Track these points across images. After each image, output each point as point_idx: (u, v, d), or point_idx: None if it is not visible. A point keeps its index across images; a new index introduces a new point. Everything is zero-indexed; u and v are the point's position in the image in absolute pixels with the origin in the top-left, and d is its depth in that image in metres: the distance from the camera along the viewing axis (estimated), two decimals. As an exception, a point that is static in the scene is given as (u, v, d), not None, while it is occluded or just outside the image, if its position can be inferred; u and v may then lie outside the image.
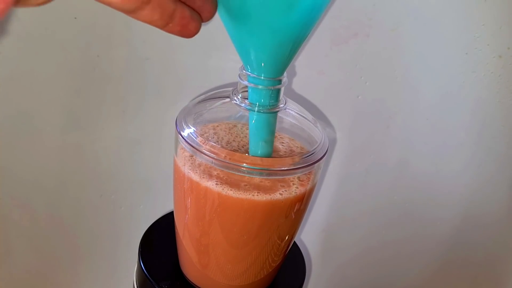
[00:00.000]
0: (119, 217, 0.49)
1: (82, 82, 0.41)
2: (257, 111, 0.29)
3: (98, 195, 0.47)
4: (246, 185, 0.28)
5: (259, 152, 0.30)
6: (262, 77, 0.28)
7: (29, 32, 0.37)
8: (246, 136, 0.32)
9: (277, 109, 0.29)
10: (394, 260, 0.56)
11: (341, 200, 0.51)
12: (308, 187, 0.30)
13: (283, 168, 0.28)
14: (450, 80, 0.44)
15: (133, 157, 0.46)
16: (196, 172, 0.29)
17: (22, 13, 0.37)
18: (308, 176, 0.30)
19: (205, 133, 0.32)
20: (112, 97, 0.42)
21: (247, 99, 0.29)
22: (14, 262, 0.48)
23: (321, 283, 0.57)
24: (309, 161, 0.29)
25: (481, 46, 0.42)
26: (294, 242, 0.38)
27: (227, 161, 0.27)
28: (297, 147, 0.33)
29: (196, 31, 0.24)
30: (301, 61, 0.42)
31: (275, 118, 0.30)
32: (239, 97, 0.29)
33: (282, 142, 0.33)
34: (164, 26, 0.22)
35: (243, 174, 0.28)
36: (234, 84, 0.31)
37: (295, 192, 0.29)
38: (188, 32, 0.23)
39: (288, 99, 0.31)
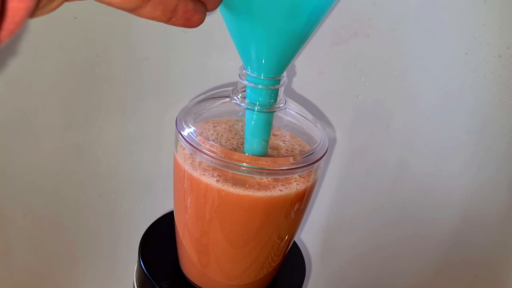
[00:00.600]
0: (118, 217, 0.49)
1: (82, 81, 0.41)
2: (257, 111, 0.29)
3: (98, 195, 0.47)
4: (246, 183, 0.28)
5: (254, 151, 0.30)
6: (262, 77, 0.28)
7: (29, 31, 0.37)
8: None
9: (277, 109, 0.29)
10: (394, 260, 0.56)
11: (341, 200, 0.51)
12: (308, 185, 0.30)
13: (283, 168, 0.28)
14: (450, 80, 0.44)
15: (132, 157, 0.46)
16: (196, 170, 0.29)
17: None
18: (308, 174, 0.30)
19: (205, 130, 0.32)
20: (111, 97, 0.42)
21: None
22: (13, 262, 0.48)
23: (320, 283, 0.57)
24: (309, 161, 0.29)
25: (481, 46, 0.42)
26: (294, 241, 0.38)
27: (227, 160, 0.27)
28: (299, 145, 0.33)
29: (200, 22, 0.23)
30: (301, 61, 0.42)
31: (272, 117, 0.30)
32: (239, 96, 0.29)
33: (284, 140, 0.33)
34: (167, 21, 0.22)
35: (243, 174, 0.28)
36: (234, 84, 0.31)
37: (295, 191, 0.29)
38: (192, 24, 0.23)
39: (288, 99, 0.31)
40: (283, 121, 0.33)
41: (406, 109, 0.46)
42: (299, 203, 0.30)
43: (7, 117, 0.41)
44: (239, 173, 0.28)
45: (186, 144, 0.29)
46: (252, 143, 0.30)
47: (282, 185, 0.29)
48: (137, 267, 0.36)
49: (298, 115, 0.33)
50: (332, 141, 0.47)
